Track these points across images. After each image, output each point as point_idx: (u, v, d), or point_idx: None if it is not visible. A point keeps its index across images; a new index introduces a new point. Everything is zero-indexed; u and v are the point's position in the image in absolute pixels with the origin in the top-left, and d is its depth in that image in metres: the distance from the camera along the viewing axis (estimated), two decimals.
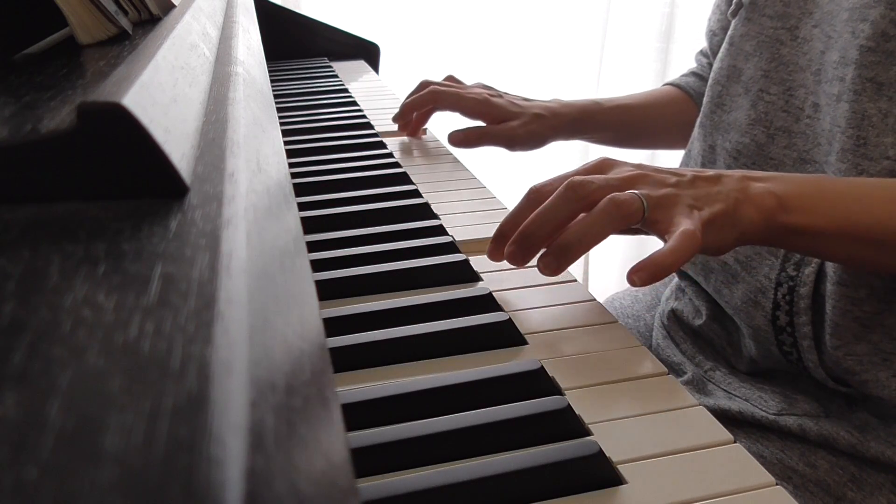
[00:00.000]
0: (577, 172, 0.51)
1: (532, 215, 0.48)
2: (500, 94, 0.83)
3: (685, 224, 0.45)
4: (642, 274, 0.44)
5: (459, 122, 0.84)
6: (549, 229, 0.47)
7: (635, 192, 0.46)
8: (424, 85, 0.84)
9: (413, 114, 0.85)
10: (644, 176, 0.48)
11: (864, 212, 0.49)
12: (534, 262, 0.48)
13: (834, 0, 0.60)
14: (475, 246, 0.57)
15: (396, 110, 0.86)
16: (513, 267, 0.53)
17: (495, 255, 0.51)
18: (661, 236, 0.46)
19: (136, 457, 0.13)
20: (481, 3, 1.70)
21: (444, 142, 0.86)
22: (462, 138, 0.81)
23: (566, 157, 1.82)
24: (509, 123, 0.81)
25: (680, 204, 0.46)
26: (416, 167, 0.77)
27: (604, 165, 0.51)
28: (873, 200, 0.50)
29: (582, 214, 0.47)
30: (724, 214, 0.47)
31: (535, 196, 0.50)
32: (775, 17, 0.66)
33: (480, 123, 0.82)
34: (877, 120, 0.54)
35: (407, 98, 0.85)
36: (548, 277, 0.48)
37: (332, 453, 0.18)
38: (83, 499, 0.12)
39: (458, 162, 0.79)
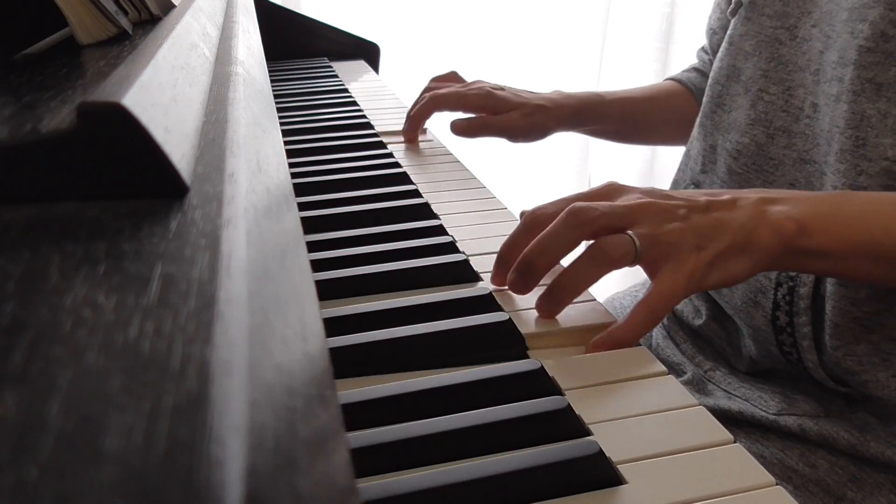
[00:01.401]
0: (581, 197, 0.49)
1: (533, 242, 0.47)
2: (501, 88, 0.83)
3: (668, 279, 0.44)
4: (601, 349, 0.44)
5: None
6: (550, 257, 0.46)
7: (630, 232, 0.44)
8: (428, 90, 0.85)
9: (421, 124, 0.85)
10: (650, 205, 0.46)
11: (884, 230, 0.48)
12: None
13: (833, 0, 0.60)
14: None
15: (396, 110, 0.86)
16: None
17: (497, 279, 0.50)
18: (651, 279, 0.45)
19: (136, 457, 0.13)
20: (481, 4, 1.70)
21: (444, 142, 0.86)
22: (465, 127, 0.81)
23: (567, 155, 1.82)
24: (511, 114, 0.81)
25: (682, 244, 0.44)
26: (417, 167, 0.77)
27: (610, 191, 0.49)
28: (893, 218, 0.48)
29: (584, 242, 0.47)
30: (733, 247, 0.45)
31: (530, 220, 0.49)
32: (774, 17, 0.66)
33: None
34: (876, 121, 0.54)
35: (411, 108, 0.85)
36: (548, 278, 0.48)
37: (333, 453, 0.18)
38: (83, 499, 0.12)
39: (459, 162, 0.79)
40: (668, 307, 0.44)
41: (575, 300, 0.48)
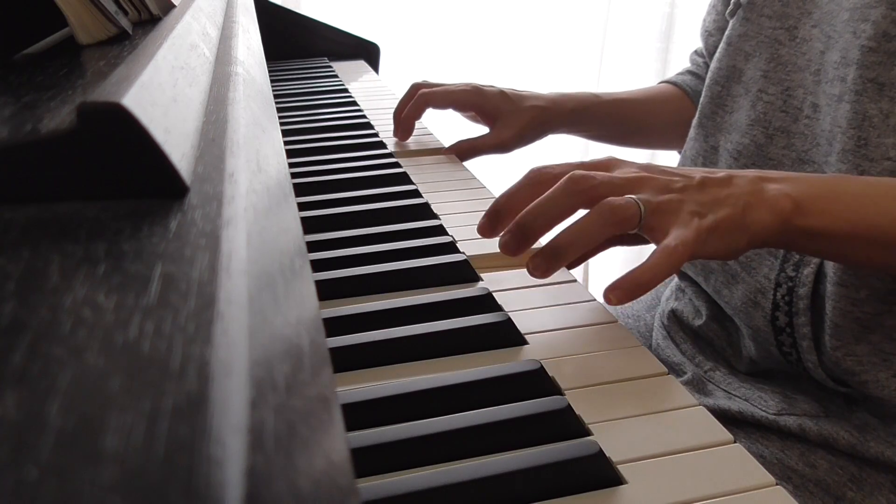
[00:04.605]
0: (582, 166, 0.49)
1: (529, 206, 0.47)
2: (490, 87, 0.83)
3: (679, 234, 0.44)
4: (618, 292, 0.43)
5: (454, 121, 0.83)
6: (546, 222, 0.47)
7: (633, 196, 0.45)
8: (413, 90, 0.84)
9: (414, 123, 0.84)
10: (649, 178, 0.47)
11: (880, 214, 0.48)
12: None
13: (834, 0, 0.60)
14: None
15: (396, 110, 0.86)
16: (512, 266, 0.53)
17: (487, 231, 0.50)
18: (657, 244, 0.46)
19: (136, 457, 0.13)
20: (481, 4, 1.70)
21: (445, 142, 0.85)
22: (454, 153, 0.81)
23: (566, 157, 1.82)
24: (497, 131, 0.80)
25: (681, 211, 0.45)
26: (417, 167, 0.77)
27: (610, 163, 0.50)
28: (890, 201, 0.49)
29: (580, 211, 0.47)
30: (730, 219, 0.46)
31: (535, 177, 0.49)
32: (774, 17, 0.66)
33: (474, 134, 0.82)
34: (878, 121, 0.54)
35: (397, 107, 0.84)
36: (548, 277, 0.48)
37: (332, 453, 0.18)
38: (83, 499, 0.12)
39: (459, 162, 0.79)
40: (683, 255, 0.44)
41: (574, 300, 0.48)
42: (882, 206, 0.48)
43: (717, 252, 0.46)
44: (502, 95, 0.81)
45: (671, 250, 0.43)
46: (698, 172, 0.48)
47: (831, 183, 0.50)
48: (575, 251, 0.45)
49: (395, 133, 0.84)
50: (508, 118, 0.80)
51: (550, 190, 0.47)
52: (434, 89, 0.82)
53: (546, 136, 0.84)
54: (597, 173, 0.47)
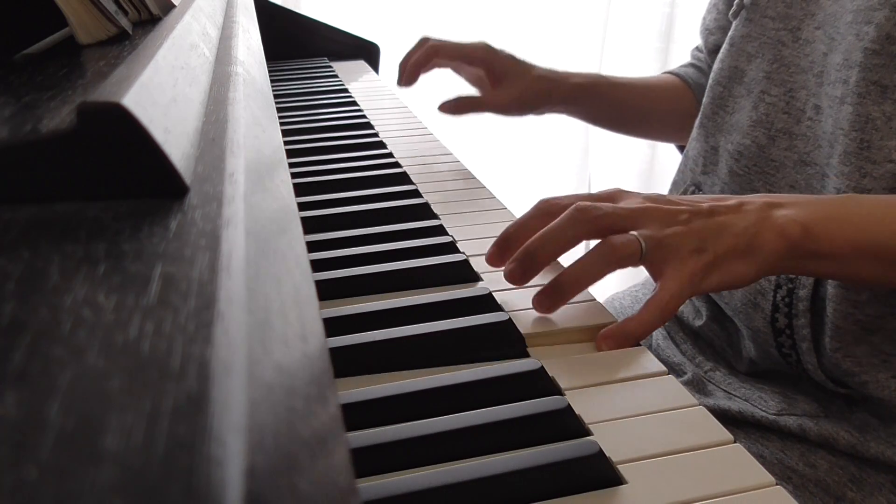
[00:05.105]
0: (590, 198, 0.50)
1: (536, 235, 0.47)
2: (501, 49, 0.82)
3: (671, 286, 0.44)
4: (610, 342, 0.44)
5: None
6: (552, 250, 0.47)
7: (635, 233, 0.45)
8: (423, 42, 0.82)
9: (419, 73, 0.82)
10: (654, 210, 0.47)
11: (889, 233, 0.48)
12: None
13: (837, 2, 0.60)
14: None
15: (397, 110, 0.86)
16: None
17: (495, 260, 0.50)
18: (655, 280, 0.46)
19: (136, 457, 0.13)
20: (481, 4, 1.70)
21: (445, 142, 0.85)
22: (453, 107, 0.80)
23: (567, 156, 1.82)
24: (503, 91, 0.80)
25: (682, 248, 0.45)
26: (417, 167, 0.77)
27: (616, 195, 0.50)
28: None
29: (584, 242, 0.47)
30: (733, 250, 0.46)
31: (544, 207, 0.49)
32: (777, 19, 0.66)
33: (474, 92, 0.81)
34: (881, 123, 0.54)
35: (406, 56, 0.82)
36: (548, 277, 0.48)
37: (332, 453, 0.18)
38: (83, 499, 0.12)
39: (459, 162, 0.79)
40: (675, 306, 0.45)
41: (575, 300, 0.48)
42: (891, 226, 0.48)
43: (722, 284, 0.46)
44: (512, 58, 0.81)
45: (664, 305, 0.44)
46: (706, 201, 0.48)
47: (839, 203, 0.50)
48: (578, 288, 0.46)
49: (399, 81, 0.82)
50: (514, 80, 0.80)
51: (557, 219, 0.47)
52: (445, 41, 0.81)
53: (547, 108, 0.84)
54: (603, 204, 0.47)
